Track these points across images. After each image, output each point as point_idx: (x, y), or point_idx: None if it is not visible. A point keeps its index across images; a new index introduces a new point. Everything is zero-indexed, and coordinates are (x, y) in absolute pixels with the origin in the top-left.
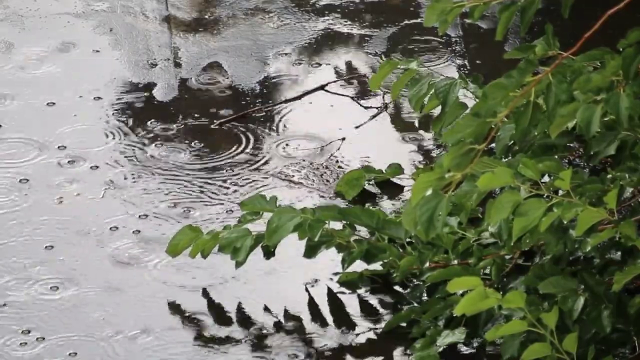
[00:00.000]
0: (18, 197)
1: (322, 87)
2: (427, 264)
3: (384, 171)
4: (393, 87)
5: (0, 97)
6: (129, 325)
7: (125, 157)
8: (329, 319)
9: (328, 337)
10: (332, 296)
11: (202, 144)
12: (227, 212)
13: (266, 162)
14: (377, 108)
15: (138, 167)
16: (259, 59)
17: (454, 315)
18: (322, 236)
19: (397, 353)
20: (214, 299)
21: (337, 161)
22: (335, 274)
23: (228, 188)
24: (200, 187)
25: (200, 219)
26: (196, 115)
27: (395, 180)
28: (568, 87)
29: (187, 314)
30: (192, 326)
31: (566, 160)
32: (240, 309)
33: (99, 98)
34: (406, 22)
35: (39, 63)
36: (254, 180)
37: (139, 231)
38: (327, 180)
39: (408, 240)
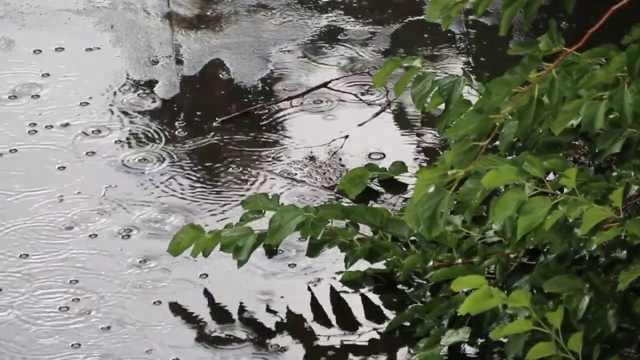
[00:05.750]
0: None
1: (325, 85)
2: (431, 263)
3: (387, 169)
4: (396, 85)
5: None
6: (129, 323)
7: (126, 155)
8: (332, 318)
9: (331, 337)
10: (334, 295)
11: (204, 142)
12: (228, 210)
13: (268, 160)
14: (380, 105)
15: (138, 165)
16: (261, 56)
17: (458, 314)
18: (325, 235)
19: (401, 352)
20: (215, 298)
21: (340, 159)
22: (338, 273)
23: (230, 186)
24: (202, 185)
25: (201, 217)
26: (198, 112)
27: (398, 178)
28: (573, 85)
29: (188, 314)
30: (193, 326)
31: (571, 158)
32: (242, 309)
33: (101, 95)
34: (410, 19)
35: (39, 60)
36: (255, 178)
37: (140, 230)
38: (330, 179)
39: (412, 238)
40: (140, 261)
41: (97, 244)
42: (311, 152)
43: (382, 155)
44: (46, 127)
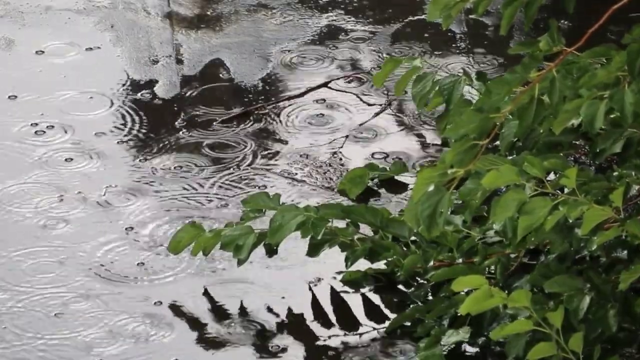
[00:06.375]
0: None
1: (325, 84)
2: (432, 263)
3: (387, 169)
4: (396, 85)
5: (1, 93)
6: (130, 324)
7: (126, 154)
8: (333, 318)
9: (331, 337)
10: (335, 295)
11: (204, 142)
12: (228, 209)
13: (269, 160)
14: (380, 105)
15: (139, 165)
16: (262, 56)
17: (459, 314)
18: (325, 234)
19: (401, 352)
20: (215, 298)
21: (340, 159)
22: (339, 272)
23: (230, 185)
24: (203, 184)
25: (201, 216)
26: (198, 112)
27: (399, 178)
28: (573, 84)
29: (188, 313)
30: (193, 326)
31: (572, 158)
32: (242, 308)
33: (101, 95)
34: (410, 18)
35: (40, 60)
36: (256, 178)
37: (140, 229)
38: (331, 178)
39: (412, 238)
40: (139, 261)
41: (98, 242)
42: (312, 152)
43: (385, 155)
44: (47, 127)
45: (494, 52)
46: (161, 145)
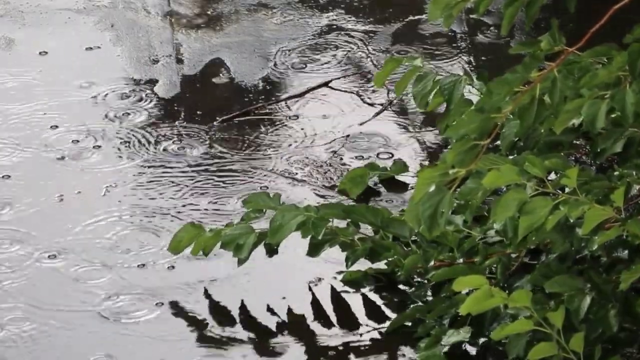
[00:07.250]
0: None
1: (325, 84)
2: (432, 263)
3: (388, 169)
4: (397, 85)
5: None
6: (130, 323)
7: (126, 154)
8: (333, 318)
9: (332, 337)
10: (335, 295)
11: (205, 142)
12: (229, 209)
13: (269, 160)
14: (381, 105)
15: (139, 165)
16: (262, 56)
17: (459, 314)
18: (326, 234)
19: (402, 352)
20: (216, 298)
21: (340, 158)
22: (339, 272)
23: (230, 185)
24: (203, 184)
25: (201, 216)
26: (198, 112)
27: (399, 177)
28: (574, 84)
29: (188, 313)
30: (193, 326)
31: (572, 158)
32: (243, 308)
33: (101, 95)
34: (411, 17)
35: (40, 60)
36: (256, 178)
37: (140, 229)
38: (331, 178)
39: (413, 238)
40: (140, 262)
41: (98, 243)
42: (312, 152)
43: (391, 155)
44: (50, 127)
45: (494, 52)
46: (161, 144)
